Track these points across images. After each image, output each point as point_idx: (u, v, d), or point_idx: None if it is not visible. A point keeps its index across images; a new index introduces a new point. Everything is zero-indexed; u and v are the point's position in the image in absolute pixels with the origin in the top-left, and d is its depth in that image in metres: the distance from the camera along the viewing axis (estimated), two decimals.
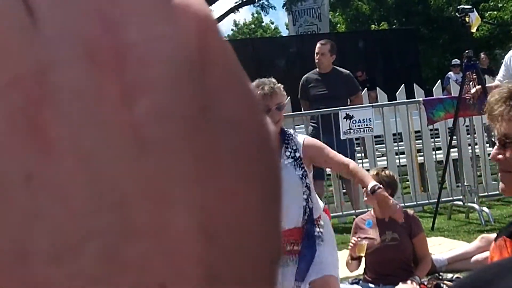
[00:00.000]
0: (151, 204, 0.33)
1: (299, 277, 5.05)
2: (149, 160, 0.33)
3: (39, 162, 0.32)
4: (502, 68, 8.69)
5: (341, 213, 10.13)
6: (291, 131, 5.33)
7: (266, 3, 30.01)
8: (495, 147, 2.65)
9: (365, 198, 5.22)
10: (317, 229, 5.11)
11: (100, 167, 0.32)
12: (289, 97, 10.18)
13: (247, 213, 0.36)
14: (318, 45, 10.12)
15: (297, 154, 5.10)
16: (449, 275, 6.64)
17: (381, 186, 4.99)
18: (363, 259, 6.20)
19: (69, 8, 0.33)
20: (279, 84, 5.22)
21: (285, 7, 29.75)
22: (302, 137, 5.22)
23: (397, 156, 10.73)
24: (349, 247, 6.16)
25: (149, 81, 0.33)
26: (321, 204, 5.32)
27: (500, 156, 2.60)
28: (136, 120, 0.33)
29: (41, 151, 0.32)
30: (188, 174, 0.34)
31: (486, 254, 5.60)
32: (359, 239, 6.12)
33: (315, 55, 10.01)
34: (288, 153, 5.12)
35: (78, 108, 0.32)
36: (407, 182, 11.04)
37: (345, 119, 9.37)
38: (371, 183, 4.97)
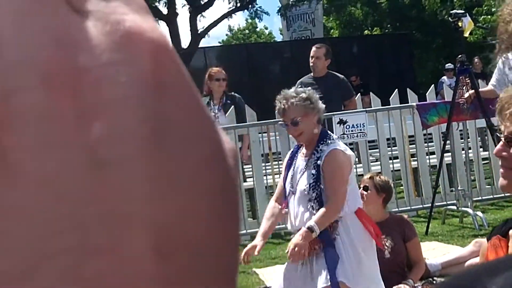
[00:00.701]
0: (108, 224, 0.33)
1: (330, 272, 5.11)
2: (105, 181, 0.33)
3: (2, 185, 0.32)
4: (496, 72, 8.71)
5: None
6: (334, 137, 5.39)
7: (259, 9, 29.99)
8: (500, 143, 2.67)
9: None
10: (331, 233, 5.15)
11: (61, 190, 0.33)
12: None
13: (201, 231, 0.36)
14: (313, 48, 10.14)
15: (319, 162, 5.18)
16: (443, 280, 6.64)
17: (309, 229, 5.01)
18: None
19: (28, 34, 0.34)
20: (302, 95, 5.26)
21: (279, 13, 29.77)
22: (332, 147, 5.22)
23: (391, 161, 10.73)
24: None
25: (104, 104, 0.34)
26: (353, 206, 5.31)
27: (504, 153, 2.62)
28: (92, 142, 0.34)
29: (4, 175, 0.32)
30: (143, 194, 0.34)
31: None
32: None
33: (310, 58, 10.03)
34: (313, 159, 5.20)
35: (38, 132, 0.33)
36: (401, 187, 11.03)
37: (338, 124, 9.37)
38: (313, 223, 5.05)
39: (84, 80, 0.34)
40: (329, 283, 5.07)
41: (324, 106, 5.42)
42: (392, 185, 6.40)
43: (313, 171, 5.16)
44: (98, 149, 0.34)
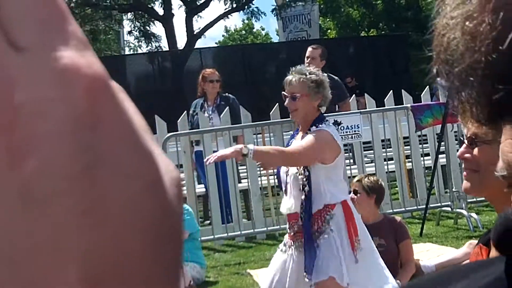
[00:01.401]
0: (39, 258, 0.34)
1: (307, 270, 5.14)
2: (37, 216, 0.34)
3: None
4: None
5: None
6: (331, 123, 5.50)
7: (255, 10, 30.02)
8: (464, 145, 2.67)
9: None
10: (317, 225, 5.15)
11: None
12: (277, 104, 10.20)
13: (133, 261, 0.37)
14: (309, 49, 10.15)
15: None
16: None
17: (245, 147, 5.08)
18: None
19: None
20: (312, 77, 5.32)
21: (274, 12, 29.76)
22: (323, 127, 5.28)
23: (385, 162, 10.74)
24: None
25: (37, 140, 0.34)
26: (339, 196, 5.34)
27: (468, 155, 2.62)
28: (25, 177, 0.34)
29: None
30: (74, 228, 0.34)
31: None
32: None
33: (306, 59, 10.03)
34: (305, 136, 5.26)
35: None
36: (396, 188, 11.05)
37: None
38: (249, 145, 5.19)
39: (17, 118, 0.34)
40: (322, 279, 5.07)
41: (330, 95, 5.48)
42: (382, 184, 6.38)
43: None
44: (30, 185, 0.34)
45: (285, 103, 5.41)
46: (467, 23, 0.62)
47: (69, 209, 0.34)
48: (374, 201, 6.15)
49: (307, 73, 5.34)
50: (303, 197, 5.17)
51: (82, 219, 0.35)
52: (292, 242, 5.32)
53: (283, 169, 5.42)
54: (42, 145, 0.34)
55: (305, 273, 5.12)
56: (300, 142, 5.20)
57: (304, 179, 5.15)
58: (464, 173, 2.72)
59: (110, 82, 0.38)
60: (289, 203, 5.30)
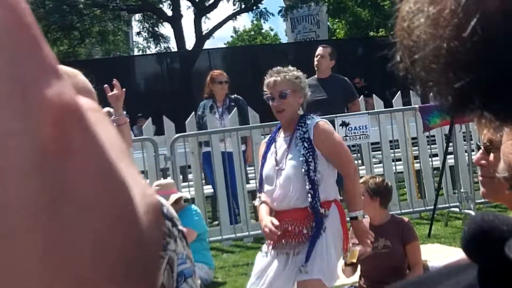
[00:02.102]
0: None
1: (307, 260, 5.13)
2: None
3: None
4: None
5: None
6: (311, 114, 5.38)
7: (264, 10, 29.99)
8: (480, 151, 2.66)
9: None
10: (322, 213, 5.15)
11: None
12: None
13: None
14: (319, 48, 10.18)
15: (306, 135, 5.19)
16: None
17: (362, 218, 5.07)
18: (359, 265, 6.19)
19: None
20: (294, 73, 5.32)
21: (280, 13, 29.72)
22: (317, 119, 5.28)
23: (393, 163, 10.72)
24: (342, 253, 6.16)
25: (0, 177, 0.34)
26: (334, 193, 5.38)
27: (483, 162, 2.60)
28: None
29: None
30: (36, 264, 0.34)
31: None
32: (351, 245, 6.11)
33: (315, 57, 10.05)
34: (298, 134, 5.20)
35: None
36: (404, 189, 11.03)
37: (341, 126, 9.36)
38: (354, 213, 5.17)
39: None
40: (306, 278, 5.06)
41: (309, 93, 5.44)
42: (388, 185, 6.34)
43: (305, 144, 5.15)
44: None
45: (272, 104, 5.32)
46: (430, 8, 0.61)
47: (31, 245, 0.34)
48: (378, 203, 6.11)
49: (288, 71, 5.33)
50: (308, 187, 5.11)
51: (44, 255, 0.34)
52: (278, 245, 5.25)
53: (270, 165, 5.34)
54: (4, 180, 0.33)
55: (303, 265, 5.09)
56: (338, 157, 5.20)
57: (312, 170, 5.12)
58: (480, 178, 2.71)
59: (80, 111, 0.37)
60: (284, 201, 5.21)
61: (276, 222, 5.07)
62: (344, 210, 5.43)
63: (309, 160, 5.12)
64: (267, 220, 5.12)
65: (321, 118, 5.35)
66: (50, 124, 0.35)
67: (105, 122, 0.42)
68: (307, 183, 5.10)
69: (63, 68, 1.63)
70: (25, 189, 0.33)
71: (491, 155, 2.59)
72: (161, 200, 2.23)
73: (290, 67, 5.43)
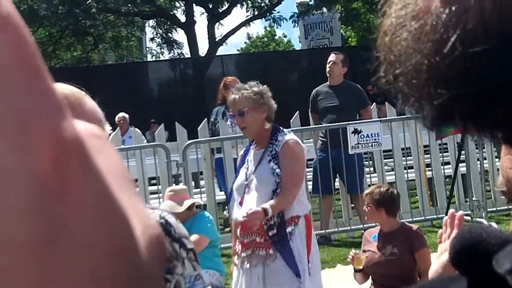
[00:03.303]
0: None
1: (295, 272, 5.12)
2: None
3: None
4: None
5: (349, 227, 10.12)
6: (285, 130, 5.40)
7: (277, 16, 29.99)
8: None
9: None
10: (288, 229, 5.15)
11: None
12: (298, 112, 10.20)
13: None
14: (331, 54, 10.21)
15: (275, 150, 5.20)
16: None
17: (268, 211, 5.03)
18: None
19: None
20: (254, 89, 5.31)
21: (292, 19, 29.71)
22: (288, 137, 5.26)
23: (405, 171, 10.71)
24: (349, 259, 6.17)
25: None
26: (305, 207, 5.36)
27: None
28: None
29: None
30: None
31: None
32: (356, 252, 6.12)
33: (327, 63, 10.06)
34: (270, 150, 5.21)
35: None
36: (416, 197, 11.01)
37: (353, 134, 9.36)
38: (263, 205, 5.06)
39: None
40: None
41: (275, 105, 5.41)
42: (394, 193, 6.31)
43: (276, 161, 5.17)
44: None
45: (234, 123, 5.42)
46: (412, 23, 0.62)
47: (27, 282, 0.34)
48: (384, 213, 6.10)
49: (248, 87, 5.34)
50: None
51: None
52: (245, 252, 5.27)
53: (241, 180, 5.38)
54: (3, 217, 0.33)
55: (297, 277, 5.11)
56: (289, 177, 5.14)
57: (275, 186, 5.14)
58: None
59: (80, 146, 0.37)
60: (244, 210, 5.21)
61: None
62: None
63: (278, 178, 5.15)
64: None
65: (294, 137, 5.33)
66: (49, 161, 0.35)
67: (108, 148, 0.42)
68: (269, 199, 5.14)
69: (69, 90, 1.63)
70: (22, 226, 0.33)
71: None
72: (170, 219, 2.24)
73: (252, 83, 5.43)
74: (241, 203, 5.31)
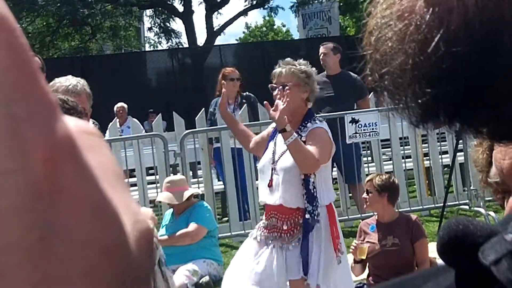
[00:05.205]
0: None
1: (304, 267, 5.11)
2: None
3: None
4: None
5: (347, 217, 10.14)
6: (318, 118, 5.37)
7: (275, 5, 29.98)
8: None
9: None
10: (313, 215, 5.11)
11: None
12: None
13: None
14: (320, 47, 10.20)
15: (303, 139, 5.15)
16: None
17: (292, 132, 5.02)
18: (368, 263, 6.20)
19: None
20: (302, 67, 5.34)
21: (292, 9, 29.67)
22: (318, 125, 5.24)
23: (403, 160, 10.72)
24: (351, 250, 6.18)
25: None
26: (330, 197, 5.32)
27: None
28: None
29: None
30: None
31: None
32: (360, 242, 6.13)
33: (320, 56, 10.06)
34: (298, 132, 5.17)
35: None
36: (414, 186, 11.03)
37: (350, 123, 9.36)
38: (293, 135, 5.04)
39: None
40: (294, 278, 5.09)
41: (318, 90, 5.43)
42: (395, 181, 6.34)
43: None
44: None
45: (274, 95, 5.30)
46: (397, 23, 0.63)
47: (22, 281, 0.34)
48: (386, 199, 6.12)
49: (297, 64, 5.33)
50: (304, 191, 5.10)
51: None
52: (269, 236, 5.26)
53: (267, 159, 5.35)
54: None
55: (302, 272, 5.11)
56: (315, 146, 5.08)
57: (308, 175, 5.11)
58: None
59: (72, 146, 0.38)
60: (274, 196, 5.22)
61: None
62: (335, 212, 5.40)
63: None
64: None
65: (324, 126, 5.30)
66: (41, 162, 0.35)
67: (99, 145, 0.42)
68: (303, 188, 5.11)
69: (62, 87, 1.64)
70: (16, 228, 0.34)
71: None
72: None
73: (302, 61, 5.41)
74: (269, 185, 5.27)
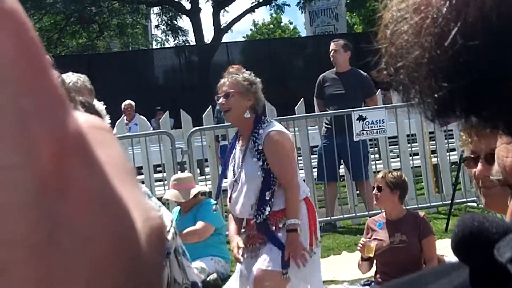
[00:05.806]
0: None
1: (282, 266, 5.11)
2: None
3: None
4: None
5: (354, 214, 10.13)
6: (267, 120, 5.32)
7: (281, 2, 29.95)
8: (481, 163, 2.57)
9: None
10: (273, 227, 5.14)
11: None
12: (303, 98, 10.20)
13: None
14: (331, 43, 10.16)
15: (260, 147, 5.15)
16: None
17: (295, 226, 5.02)
18: (375, 260, 6.19)
19: None
20: (245, 76, 5.33)
21: (299, 6, 29.66)
22: (269, 129, 5.19)
23: (411, 157, 10.70)
24: (358, 247, 6.17)
25: None
26: (305, 191, 5.34)
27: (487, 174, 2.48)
28: None
29: None
30: None
31: None
32: (367, 240, 6.12)
33: (330, 53, 10.04)
34: (252, 146, 5.18)
35: None
36: (421, 184, 11.01)
37: (358, 121, 9.35)
38: (290, 220, 5.04)
39: None
40: (269, 268, 5.08)
41: (263, 99, 5.41)
42: (405, 179, 6.33)
43: (258, 156, 5.13)
44: None
45: (218, 104, 5.34)
46: (413, 16, 0.62)
47: (28, 278, 0.34)
48: (397, 197, 6.11)
49: (240, 74, 5.36)
50: (268, 197, 5.12)
51: (39, 287, 0.35)
52: (250, 245, 5.30)
53: (230, 175, 5.38)
54: (3, 215, 0.34)
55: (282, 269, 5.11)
56: (281, 170, 5.12)
57: (261, 182, 5.14)
58: (482, 189, 2.58)
59: (81, 140, 0.38)
60: (240, 210, 5.27)
61: (242, 245, 5.20)
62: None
63: (263, 174, 5.14)
64: (234, 244, 5.28)
65: (275, 127, 5.25)
66: (50, 157, 0.35)
67: (110, 140, 0.42)
68: (257, 198, 5.14)
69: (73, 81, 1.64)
70: (22, 224, 0.34)
71: (478, 164, 2.53)
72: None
73: (246, 72, 5.45)
74: (229, 200, 5.34)
